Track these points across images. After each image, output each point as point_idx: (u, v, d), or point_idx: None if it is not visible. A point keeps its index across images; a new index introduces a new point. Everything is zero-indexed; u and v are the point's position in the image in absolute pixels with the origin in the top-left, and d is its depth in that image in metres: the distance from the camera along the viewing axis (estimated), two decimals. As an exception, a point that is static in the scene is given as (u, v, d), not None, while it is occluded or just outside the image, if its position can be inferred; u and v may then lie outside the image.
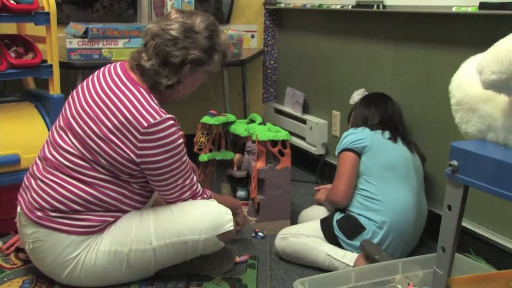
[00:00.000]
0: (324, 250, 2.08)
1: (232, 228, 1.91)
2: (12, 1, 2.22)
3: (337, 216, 2.16)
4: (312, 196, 2.73)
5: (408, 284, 1.85)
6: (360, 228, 2.09)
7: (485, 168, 1.17)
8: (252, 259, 2.15)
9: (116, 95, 1.81)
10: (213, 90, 3.30)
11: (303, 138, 3.24)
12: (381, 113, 2.32)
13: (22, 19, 2.36)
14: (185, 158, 1.88)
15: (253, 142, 2.45)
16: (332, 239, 2.12)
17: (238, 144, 2.74)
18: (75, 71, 2.70)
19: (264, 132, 2.42)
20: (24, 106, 2.46)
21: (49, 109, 2.43)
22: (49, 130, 2.39)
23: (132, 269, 1.87)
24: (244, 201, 2.65)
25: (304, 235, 2.15)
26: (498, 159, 1.14)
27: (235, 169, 2.66)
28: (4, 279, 1.93)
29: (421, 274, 1.89)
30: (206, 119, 2.67)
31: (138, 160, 1.79)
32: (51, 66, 2.40)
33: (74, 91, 1.96)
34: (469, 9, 2.00)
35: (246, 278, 1.98)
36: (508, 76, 1.14)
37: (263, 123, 2.62)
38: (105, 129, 1.78)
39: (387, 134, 2.22)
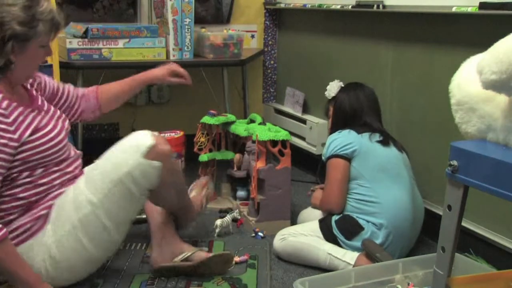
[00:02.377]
0: (325, 249, 2.08)
1: (151, 142, 1.80)
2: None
3: (335, 216, 2.16)
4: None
5: (408, 284, 1.85)
6: (359, 228, 2.09)
7: (485, 168, 1.17)
8: (252, 259, 2.14)
9: None
10: (213, 90, 3.30)
11: (303, 138, 3.24)
12: (365, 97, 2.28)
13: (22, 19, 2.35)
14: None
15: (253, 142, 2.45)
16: (331, 239, 2.12)
17: (238, 144, 2.74)
18: (75, 71, 2.70)
19: (264, 132, 2.42)
20: (24, 106, 2.46)
21: (49, 109, 2.43)
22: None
23: (94, 240, 1.81)
24: (244, 201, 2.65)
25: (303, 235, 2.15)
26: (498, 159, 1.14)
27: (235, 169, 2.66)
28: (4, 279, 1.93)
29: (421, 274, 1.89)
30: (206, 119, 2.67)
31: None
32: (51, 66, 2.40)
33: None
34: (469, 9, 2.00)
35: (246, 278, 1.98)
36: (508, 76, 1.14)
37: (263, 123, 2.62)
38: None
39: (375, 137, 2.19)
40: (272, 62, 3.67)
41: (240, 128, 2.60)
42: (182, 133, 2.85)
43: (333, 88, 2.40)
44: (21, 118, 1.73)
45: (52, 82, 2.05)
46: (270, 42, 3.63)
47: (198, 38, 3.00)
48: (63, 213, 1.81)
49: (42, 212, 1.81)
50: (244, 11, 3.55)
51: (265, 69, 3.67)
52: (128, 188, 1.80)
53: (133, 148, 1.82)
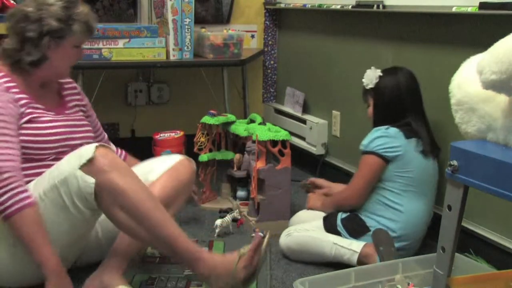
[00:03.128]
0: (330, 240, 2.08)
1: (92, 155, 1.65)
2: (12, 1, 2.22)
3: (342, 214, 2.16)
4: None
5: (408, 284, 1.85)
6: (365, 229, 2.09)
7: (485, 168, 1.17)
8: (252, 259, 2.14)
9: None
10: (213, 90, 3.30)
11: (303, 138, 3.24)
12: (417, 102, 2.19)
13: (22, 19, 2.35)
14: None
15: (253, 142, 2.45)
16: (335, 233, 2.13)
17: (238, 144, 2.74)
18: (75, 71, 2.69)
19: (264, 132, 2.42)
20: (24, 106, 2.46)
21: (49, 109, 2.43)
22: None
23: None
24: (244, 201, 2.65)
25: (307, 230, 2.16)
26: (498, 159, 1.14)
27: (235, 169, 2.67)
28: (4, 279, 1.93)
29: (421, 274, 1.89)
30: (206, 119, 2.67)
31: None
32: (51, 66, 2.40)
33: None
34: (469, 9, 2.00)
35: (246, 278, 1.98)
36: (508, 76, 1.14)
37: (263, 123, 2.62)
38: None
39: (420, 145, 2.11)
40: (272, 62, 3.67)
41: (240, 128, 2.59)
42: (182, 133, 2.85)
43: (370, 77, 2.23)
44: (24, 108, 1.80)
45: (97, 120, 2.15)
46: (270, 42, 3.63)
47: (198, 38, 3.00)
48: None
49: None
50: (244, 11, 3.55)
51: (265, 69, 3.67)
52: (61, 196, 1.70)
53: (75, 157, 1.70)
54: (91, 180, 1.65)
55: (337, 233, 2.13)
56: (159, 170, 1.96)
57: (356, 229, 2.11)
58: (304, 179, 2.61)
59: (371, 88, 2.22)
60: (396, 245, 2.03)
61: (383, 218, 2.10)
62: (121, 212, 1.67)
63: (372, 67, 2.26)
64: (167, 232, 1.68)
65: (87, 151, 1.68)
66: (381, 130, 2.13)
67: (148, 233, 1.68)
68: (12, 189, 1.65)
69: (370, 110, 2.26)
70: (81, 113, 2.03)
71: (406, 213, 2.09)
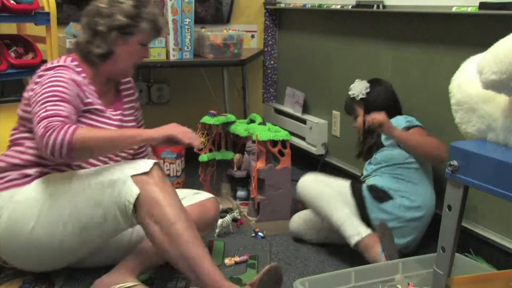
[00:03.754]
0: (343, 212, 2.10)
1: (148, 170, 1.73)
2: (12, 1, 2.23)
3: (367, 182, 2.23)
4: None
5: (408, 284, 1.85)
6: (388, 197, 2.16)
7: (485, 168, 1.17)
8: (252, 259, 2.14)
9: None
10: (213, 90, 3.30)
11: (303, 138, 3.24)
12: (400, 107, 2.37)
13: (22, 19, 2.36)
14: (49, 93, 1.76)
15: (253, 142, 2.46)
16: (359, 197, 2.16)
17: (238, 144, 2.74)
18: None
19: (264, 132, 2.42)
20: (24, 106, 2.46)
21: (49, 109, 2.43)
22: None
23: (45, 226, 1.79)
24: (244, 201, 2.65)
25: (331, 187, 2.17)
26: (498, 159, 1.14)
27: (235, 169, 2.67)
28: (4, 279, 1.93)
29: (421, 274, 1.89)
30: (206, 119, 2.67)
31: (26, 101, 1.84)
32: (51, 66, 2.40)
33: None
34: (469, 9, 2.00)
35: (246, 278, 1.98)
36: (508, 76, 1.14)
37: (263, 123, 2.62)
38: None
39: None
40: (272, 62, 3.67)
41: (240, 128, 2.60)
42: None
43: (359, 88, 2.37)
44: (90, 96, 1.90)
45: (140, 113, 2.19)
46: (270, 42, 3.63)
47: (198, 38, 3.00)
48: (50, 184, 1.82)
49: (33, 174, 1.85)
50: (244, 11, 3.55)
51: (265, 69, 3.67)
52: (102, 194, 1.76)
53: (131, 166, 1.76)
54: (137, 191, 1.71)
55: (361, 197, 2.16)
56: (189, 201, 2.02)
57: (379, 195, 2.16)
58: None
59: (361, 99, 2.35)
60: (415, 214, 2.14)
61: (405, 192, 2.16)
62: (156, 226, 1.71)
63: (358, 79, 2.40)
64: (195, 253, 1.69)
65: (145, 165, 1.75)
66: (401, 116, 2.29)
67: (176, 250, 1.70)
68: (59, 126, 1.67)
69: (360, 119, 2.35)
70: (132, 111, 2.10)
71: (422, 187, 2.18)
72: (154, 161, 1.78)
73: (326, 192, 2.15)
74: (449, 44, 2.22)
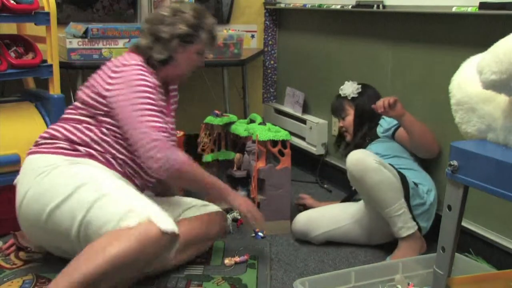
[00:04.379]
0: (401, 201, 2.09)
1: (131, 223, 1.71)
2: (12, 1, 2.22)
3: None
4: (313, 196, 2.74)
5: (408, 284, 1.85)
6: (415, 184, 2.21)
7: (485, 168, 1.17)
8: (252, 259, 2.14)
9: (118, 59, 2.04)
10: (213, 90, 3.30)
11: (303, 138, 3.24)
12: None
13: (22, 19, 2.36)
14: (147, 99, 1.90)
15: (253, 142, 2.45)
16: (406, 185, 2.15)
17: (238, 144, 2.74)
18: (75, 71, 2.70)
19: (264, 132, 2.42)
20: (24, 106, 2.46)
21: (49, 109, 2.43)
22: (49, 130, 2.39)
23: (55, 220, 1.82)
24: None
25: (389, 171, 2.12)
26: (498, 159, 1.14)
27: (235, 169, 2.66)
28: (4, 279, 1.93)
29: (421, 274, 1.89)
30: (210, 119, 2.67)
31: (106, 93, 1.93)
32: (51, 66, 2.40)
33: None
34: (469, 9, 2.00)
35: (246, 278, 1.98)
36: (508, 76, 1.14)
37: (263, 123, 2.62)
38: (92, 80, 2.02)
39: None
40: (272, 62, 3.67)
41: (240, 128, 2.59)
42: (182, 133, 2.85)
43: (350, 88, 2.56)
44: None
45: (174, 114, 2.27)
46: (270, 42, 3.63)
47: (198, 38, 2.99)
48: (92, 174, 1.87)
49: (82, 151, 1.94)
50: (244, 11, 3.55)
51: (265, 69, 3.67)
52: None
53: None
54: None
55: (407, 185, 2.15)
56: (197, 211, 2.08)
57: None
58: (297, 196, 2.72)
59: (353, 98, 2.54)
60: (431, 198, 2.22)
61: (415, 178, 2.23)
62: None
63: (350, 81, 2.59)
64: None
65: (166, 224, 1.75)
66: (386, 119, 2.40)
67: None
68: (173, 148, 1.91)
69: (350, 118, 2.54)
70: (174, 113, 2.22)
71: (424, 173, 2.31)
72: (175, 229, 1.75)
73: (388, 180, 2.08)
74: (449, 44, 2.22)
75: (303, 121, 3.22)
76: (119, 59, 2.02)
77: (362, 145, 2.46)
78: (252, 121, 2.70)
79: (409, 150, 2.34)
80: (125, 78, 1.93)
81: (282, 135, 2.43)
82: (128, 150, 1.96)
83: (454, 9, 2.07)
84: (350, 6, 2.71)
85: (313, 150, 3.15)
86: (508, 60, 1.14)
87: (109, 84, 1.94)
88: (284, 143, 2.44)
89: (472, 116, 1.29)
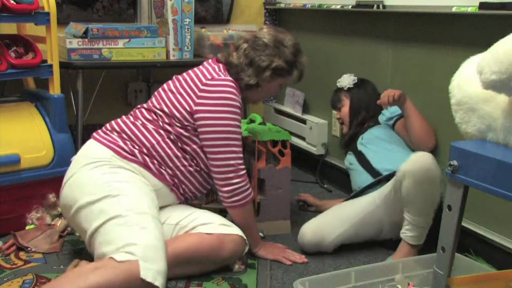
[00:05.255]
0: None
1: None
2: (12, 1, 2.22)
3: None
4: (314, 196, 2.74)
5: (408, 284, 1.85)
6: None
7: (485, 168, 1.17)
8: (252, 259, 2.14)
9: (197, 67, 2.12)
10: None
11: (303, 138, 3.24)
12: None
13: (22, 19, 2.36)
14: (236, 123, 2.02)
15: (253, 142, 2.45)
16: None
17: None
18: (75, 71, 2.70)
19: (264, 132, 2.42)
20: (24, 106, 2.46)
21: (49, 109, 2.43)
22: (49, 130, 2.39)
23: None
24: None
25: None
26: (498, 159, 1.14)
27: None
28: (4, 279, 1.93)
29: (421, 274, 1.89)
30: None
31: (195, 107, 1.98)
32: (51, 66, 2.40)
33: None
34: (469, 9, 2.00)
35: (246, 278, 1.98)
36: (508, 76, 1.14)
37: (263, 123, 2.62)
38: (177, 84, 2.07)
39: None
40: (272, 62, 3.66)
41: (240, 128, 2.59)
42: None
43: (348, 80, 2.64)
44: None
45: None
46: (270, 42, 3.62)
47: (198, 38, 3.00)
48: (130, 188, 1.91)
49: (136, 147, 2.00)
50: (244, 11, 3.55)
51: (265, 69, 3.67)
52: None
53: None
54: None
55: None
56: (211, 229, 1.95)
57: None
58: (297, 195, 2.72)
59: (349, 89, 2.62)
60: None
61: None
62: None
63: (348, 74, 2.68)
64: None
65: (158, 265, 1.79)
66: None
67: None
68: (247, 183, 2.05)
69: (346, 109, 2.61)
70: None
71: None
72: (156, 281, 1.72)
73: (436, 195, 2.03)
74: (449, 44, 2.22)
75: (303, 121, 3.22)
76: (210, 70, 2.06)
77: (358, 135, 2.52)
78: (252, 121, 2.70)
79: (407, 142, 2.38)
80: (219, 95, 1.98)
81: (282, 135, 2.43)
82: (192, 162, 2.04)
83: (454, 9, 2.07)
84: (350, 6, 2.71)
85: (313, 150, 3.15)
86: (508, 60, 1.14)
87: (199, 97, 1.99)
88: (284, 143, 2.44)
89: (472, 116, 1.29)
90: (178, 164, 2.02)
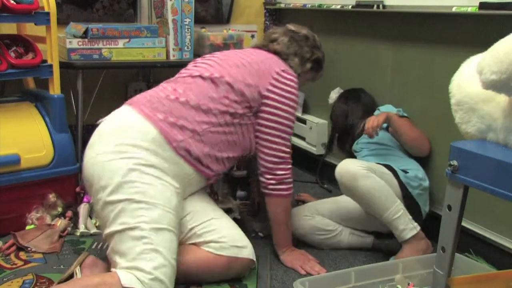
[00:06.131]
0: (396, 203, 2.07)
1: None
2: (12, 1, 2.22)
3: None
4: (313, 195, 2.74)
5: (408, 284, 1.85)
6: (406, 172, 2.27)
7: (485, 168, 1.17)
8: (252, 259, 2.14)
9: (259, 52, 2.13)
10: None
11: (303, 138, 3.24)
12: (362, 107, 2.55)
13: (22, 19, 2.36)
14: (294, 118, 2.07)
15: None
16: (399, 180, 2.19)
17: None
18: (75, 71, 2.70)
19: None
20: (24, 106, 2.46)
21: (49, 109, 2.43)
22: (49, 130, 2.39)
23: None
24: (244, 201, 2.65)
25: (378, 175, 2.12)
26: (498, 159, 1.14)
27: (234, 169, 2.66)
28: (4, 279, 1.93)
29: (421, 274, 1.89)
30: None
31: (266, 93, 1.99)
32: (51, 66, 2.40)
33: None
34: (469, 9, 2.00)
35: (246, 278, 1.98)
36: (508, 76, 1.14)
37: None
38: (241, 61, 2.04)
39: None
40: (272, 62, 3.66)
41: (240, 128, 2.59)
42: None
43: (333, 95, 2.76)
44: None
45: None
46: (270, 42, 3.62)
47: (198, 38, 3.00)
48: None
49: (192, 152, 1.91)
50: (244, 11, 3.55)
51: (265, 69, 3.67)
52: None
53: None
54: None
55: (400, 179, 2.20)
56: (222, 251, 1.92)
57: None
58: (297, 195, 2.75)
59: (335, 102, 2.72)
60: (426, 183, 2.26)
61: (404, 165, 2.29)
62: None
63: (337, 88, 2.79)
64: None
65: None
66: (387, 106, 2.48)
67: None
68: (292, 176, 2.08)
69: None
70: None
71: (412, 160, 2.34)
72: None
73: (379, 185, 2.08)
74: (449, 44, 2.22)
75: (303, 121, 3.22)
76: (275, 59, 2.09)
77: (353, 140, 2.54)
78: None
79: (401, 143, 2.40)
80: (289, 88, 2.04)
81: (282, 135, 2.42)
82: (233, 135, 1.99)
83: (454, 9, 2.07)
84: (350, 6, 2.71)
85: (313, 150, 3.15)
86: (508, 60, 1.14)
87: (272, 85, 2.01)
88: (284, 143, 2.43)
89: (472, 116, 1.29)
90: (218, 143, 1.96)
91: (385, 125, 2.42)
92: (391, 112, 2.31)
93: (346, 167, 2.11)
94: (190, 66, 2.12)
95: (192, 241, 1.92)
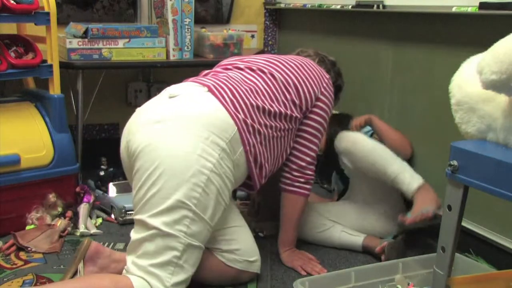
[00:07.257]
0: (397, 161, 2.14)
1: None
2: (12, 1, 2.22)
3: None
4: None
5: (408, 284, 1.85)
6: None
7: (485, 168, 1.17)
8: (252, 259, 2.14)
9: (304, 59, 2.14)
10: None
11: (303, 138, 3.23)
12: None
13: (22, 19, 2.36)
14: (325, 125, 2.11)
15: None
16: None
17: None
18: (75, 71, 2.70)
19: (264, 132, 2.42)
20: (24, 106, 2.46)
21: (49, 109, 2.43)
22: (49, 130, 2.39)
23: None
24: (244, 201, 2.65)
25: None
26: (498, 159, 1.15)
27: (235, 169, 2.66)
28: (4, 279, 1.93)
29: (421, 274, 1.89)
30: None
31: (319, 96, 2.04)
32: (51, 66, 2.40)
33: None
34: (469, 9, 2.00)
35: (246, 278, 1.98)
36: (508, 76, 1.14)
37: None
38: (299, 66, 2.06)
39: None
40: (272, 62, 3.66)
41: (240, 128, 2.59)
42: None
43: None
44: None
45: None
46: (270, 42, 3.63)
47: (198, 38, 3.00)
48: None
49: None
50: (244, 11, 3.55)
51: (265, 69, 3.67)
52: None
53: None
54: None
55: None
56: (235, 264, 1.91)
57: None
58: None
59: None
60: None
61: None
62: None
63: None
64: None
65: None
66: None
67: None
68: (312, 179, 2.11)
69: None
70: None
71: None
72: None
73: (379, 145, 2.18)
74: (449, 44, 2.22)
75: (303, 121, 3.21)
76: (325, 73, 2.13)
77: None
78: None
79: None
80: (333, 95, 2.11)
81: (282, 135, 2.42)
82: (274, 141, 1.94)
83: (454, 9, 2.07)
84: (350, 6, 2.71)
85: (313, 150, 3.15)
86: (508, 60, 1.14)
87: (325, 89, 2.07)
88: (284, 143, 2.43)
89: (472, 116, 1.29)
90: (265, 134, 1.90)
91: (370, 132, 2.43)
92: (373, 115, 2.39)
93: (343, 135, 2.23)
94: (251, 59, 2.06)
95: (209, 245, 1.85)
